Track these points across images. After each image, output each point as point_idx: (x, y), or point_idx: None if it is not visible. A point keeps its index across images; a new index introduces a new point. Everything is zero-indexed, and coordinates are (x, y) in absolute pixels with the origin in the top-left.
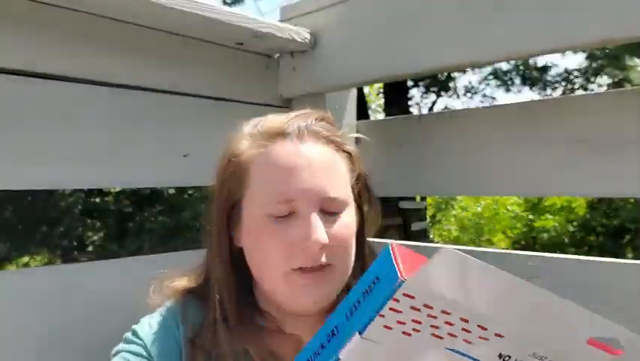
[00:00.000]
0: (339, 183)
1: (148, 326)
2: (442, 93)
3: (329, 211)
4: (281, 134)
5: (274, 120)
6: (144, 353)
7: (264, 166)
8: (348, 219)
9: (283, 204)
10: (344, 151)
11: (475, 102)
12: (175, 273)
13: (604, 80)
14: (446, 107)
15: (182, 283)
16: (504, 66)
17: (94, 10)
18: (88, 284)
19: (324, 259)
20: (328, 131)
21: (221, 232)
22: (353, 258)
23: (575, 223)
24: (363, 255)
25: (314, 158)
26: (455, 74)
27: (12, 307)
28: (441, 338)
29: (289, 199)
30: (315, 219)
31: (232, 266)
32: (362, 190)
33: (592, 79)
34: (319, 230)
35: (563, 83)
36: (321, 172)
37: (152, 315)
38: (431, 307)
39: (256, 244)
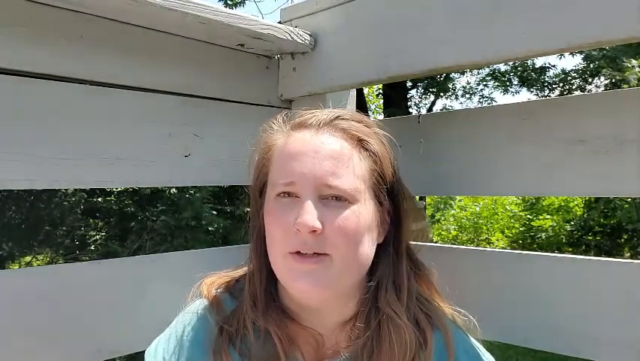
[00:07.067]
0: (346, 174)
1: (158, 347)
2: (441, 94)
3: (328, 198)
4: (303, 125)
5: (305, 113)
6: None
7: (281, 151)
8: (351, 212)
9: (286, 186)
10: (366, 149)
11: (474, 103)
12: (214, 272)
13: (601, 81)
14: (444, 108)
15: (218, 279)
16: (502, 67)
17: (94, 11)
18: (89, 283)
19: (317, 247)
20: (350, 127)
21: (255, 218)
22: (363, 252)
23: (572, 223)
24: (398, 256)
25: (323, 146)
26: (454, 75)
27: (13, 305)
28: None
29: (291, 182)
30: (309, 203)
31: (266, 254)
32: (389, 191)
33: (589, 80)
34: (308, 214)
35: (561, 85)
36: (327, 160)
37: (167, 329)
38: None
39: (267, 225)
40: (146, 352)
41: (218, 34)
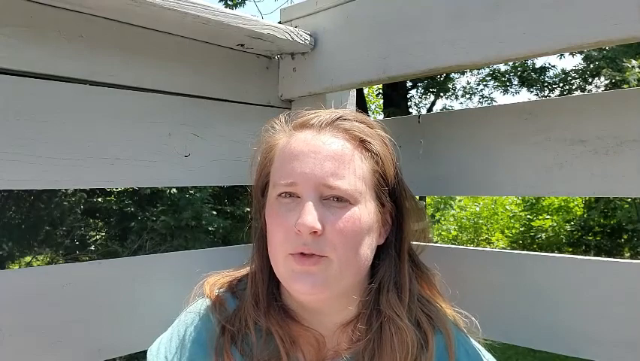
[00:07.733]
0: (347, 175)
1: (160, 345)
2: (441, 94)
3: (329, 199)
4: (305, 125)
5: (307, 114)
6: None
7: (282, 151)
8: (352, 213)
9: (287, 187)
10: (367, 150)
11: (474, 103)
12: (216, 272)
13: (601, 81)
14: (444, 108)
15: (221, 279)
16: (502, 67)
17: (94, 11)
18: (89, 283)
19: (316, 248)
20: (352, 128)
21: (257, 218)
22: (362, 253)
23: (572, 223)
24: (400, 258)
25: (324, 147)
26: (454, 75)
27: (13, 305)
28: None
29: (292, 182)
30: (309, 204)
31: (268, 253)
32: (391, 192)
33: (589, 80)
34: (309, 215)
35: (561, 85)
36: (328, 161)
37: (170, 328)
38: None
39: (268, 226)
40: (148, 351)
41: (218, 34)
